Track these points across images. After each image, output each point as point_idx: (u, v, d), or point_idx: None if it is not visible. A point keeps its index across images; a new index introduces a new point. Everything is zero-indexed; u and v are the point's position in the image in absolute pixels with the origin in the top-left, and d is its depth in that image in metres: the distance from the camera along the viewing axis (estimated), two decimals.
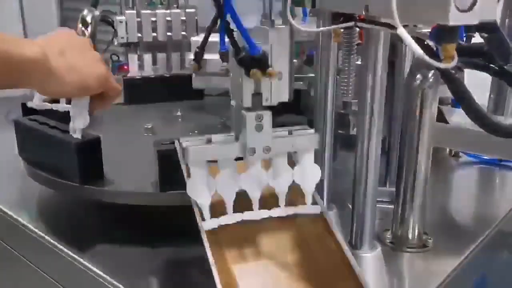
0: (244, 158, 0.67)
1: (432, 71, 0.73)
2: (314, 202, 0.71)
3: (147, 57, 1.33)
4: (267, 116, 0.66)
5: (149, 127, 1.04)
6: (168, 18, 1.30)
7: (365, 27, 0.59)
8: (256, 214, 0.69)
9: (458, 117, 1.04)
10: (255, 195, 0.69)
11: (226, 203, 0.68)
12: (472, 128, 0.95)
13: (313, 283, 0.65)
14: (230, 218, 0.68)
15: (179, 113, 1.14)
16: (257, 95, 0.66)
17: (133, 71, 1.34)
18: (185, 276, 0.75)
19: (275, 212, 0.70)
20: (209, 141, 0.67)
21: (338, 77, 0.79)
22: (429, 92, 0.75)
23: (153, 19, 1.29)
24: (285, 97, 0.69)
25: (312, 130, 0.71)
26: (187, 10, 1.32)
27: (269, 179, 0.69)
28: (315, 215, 0.71)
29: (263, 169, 0.69)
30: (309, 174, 0.70)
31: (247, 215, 0.69)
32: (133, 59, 1.33)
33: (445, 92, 0.68)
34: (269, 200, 0.71)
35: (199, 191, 0.66)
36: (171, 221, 0.87)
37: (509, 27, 1.12)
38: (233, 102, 0.72)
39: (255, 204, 0.69)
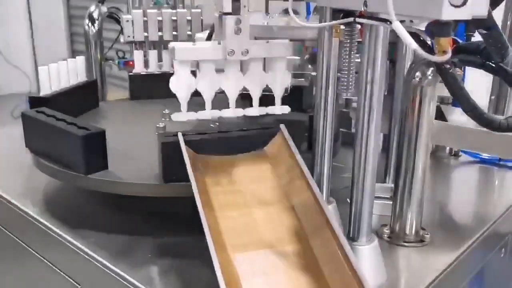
0: (225, 60, 0.77)
1: (431, 68, 0.75)
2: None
3: (152, 54, 1.35)
4: (246, 19, 0.74)
5: (166, 112, 1.09)
6: (174, 18, 1.31)
7: (364, 22, 0.61)
8: (233, 112, 0.80)
9: (458, 116, 1.05)
10: (232, 95, 0.78)
11: (205, 101, 0.78)
12: (471, 127, 0.97)
13: (310, 273, 0.67)
14: (207, 114, 0.79)
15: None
16: (236, 1, 0.75)
17: (138, 67, 1.35)
18: (186, 264, 0.77)
19: (249, 111, 0.81)
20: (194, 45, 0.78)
21: (339, 74, 0.80)
22: (428, 89, 0.77)
23: (159, 18, 1.31)
24: (261, 6, 0.80)
25: (286, 41, 0.81)
26: (192, 10, 1.33)
27: (245, 81, 0.79)
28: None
29: (240, 72, 0.79)
30: (280, 79, 0.81)
31: (225, 112, 0.80)
32: (138, 56, 1.35)
33: (445, 91, 0.70)
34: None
35: (181, 86, 0.76)
36: (174, 211, 0.89)
37: (511, 26, 1.14)
38: (216, 13, 0.81)
39: (232, 103, 0.79)
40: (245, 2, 0.76)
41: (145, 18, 1.30)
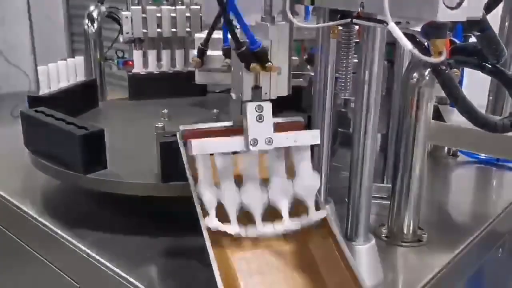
0: (246, 151, 0.68)
1: (429, 69, 0.75)
2: (318, 208, 0.71)
3: (152, 54, 1.35)
4: (267, 106, 0.67)
5: (165, 112, 1.11)
6: (173, 15, 1.32)
7: (361, 23, 0.61)
8: (261, 229, 0.68)
9: (456, 116, 1.06)
10: (256, 211, 0.68)
11: (229, 215, 0.68)
12: (469, 127, 0.97)
13: (307, 272, 0.67)
14: (233, 229, 0.67)
15: (181, 109, 1.17)
16: (256, 88, 0.68)
17: (138, 67, 1.36)
18: (184, 264, 0.77)
19: (279, 228, 0.69)
20: (210, 133, 0.68)
21: (337, 74, 0.81)
22: (425, 90, 0.77)
23: (158, 15, 1.31)
24: (284, 91, 0.71)
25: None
26: (191, 7, 1.34)
27: (270, 194, 0.69)
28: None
29: (262, 186, 0.69)
30: (308, 184, 0.70)
31: (250, 232, 0.68)
32: (137, 55, 1.35)
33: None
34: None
35: (206, 191, 0.67)
36: (172, 211, 0.89)
37: (509, 27, 1.14)
38: (233, 95, 0.74)
39: (258, 220, 0.68)
40: (266, 89, 0.69)
41: (144, 15, 1.31)
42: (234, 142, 0.68)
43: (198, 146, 0.67)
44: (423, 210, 0.85)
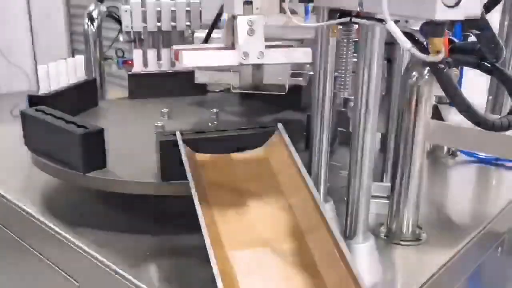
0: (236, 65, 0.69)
1: (427, 68, 0.75)
2: None
3: (151, 53, 1.35)
4: (259, 20, 0.67)
5: (165, 111, 1.10)
6: (173, 8, 1.32)
7: (360, 22, 0.61)
8: None
9: (455, 116, 1.06)
10: None
11: None
12: (467, 126, 0.97)
13: (306, 270, 0.67)
14: None
15: (181, 108, 1.17)
16: (248, 4, 0.68)
17: (138, 66, 1.36)
18: (184, 263, 0.77)
19: None
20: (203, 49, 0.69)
21: (336, 73, 0.81)
22: (424, 89, 0.77)
23: (158, 8, 1.31)
24: (275, 8, 0.71)
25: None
26: (191, 0, 1.34)
27: None
28: None
29: None
30: None
31: None
32: (137, 54, 1.35)
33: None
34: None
35: None
36: (172, 210, 0.89)
37: (508, 27, 1.14)
38: (225, 16, 0.76)
39: None
40: (258, 4, 0.69)
41: (143, 9, 1.31)
42: (226, 55, 0.69)
43: (189, 57, 0.67)
44: (422, 209, 0.85)
